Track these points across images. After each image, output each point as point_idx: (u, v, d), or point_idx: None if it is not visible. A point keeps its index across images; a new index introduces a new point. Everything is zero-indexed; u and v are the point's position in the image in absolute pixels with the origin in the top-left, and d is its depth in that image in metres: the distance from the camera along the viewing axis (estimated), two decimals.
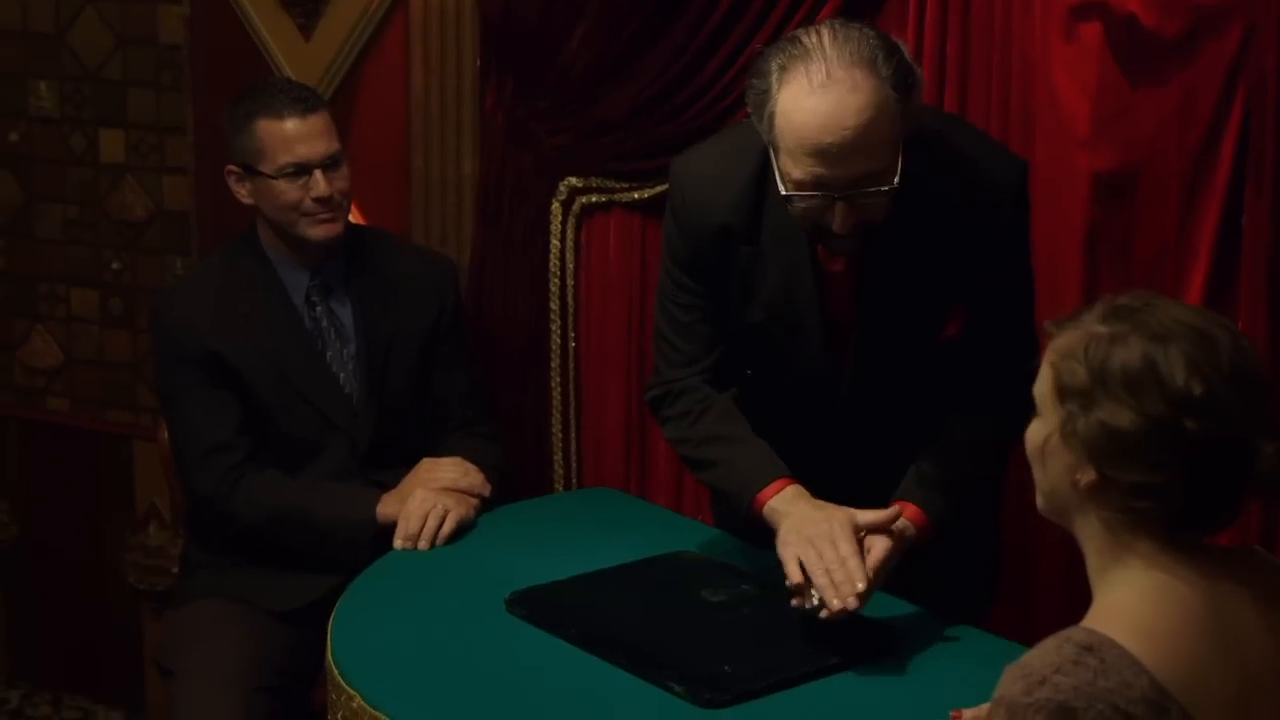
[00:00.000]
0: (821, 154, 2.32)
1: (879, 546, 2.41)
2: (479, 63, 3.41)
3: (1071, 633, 1.72)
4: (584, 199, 3.36)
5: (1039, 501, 1.89)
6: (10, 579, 4.30)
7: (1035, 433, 1.86)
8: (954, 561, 2.64)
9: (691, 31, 3.13)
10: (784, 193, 2.38)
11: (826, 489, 2.52)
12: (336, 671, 2.39)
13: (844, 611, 2.31)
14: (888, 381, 2.60)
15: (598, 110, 3.28)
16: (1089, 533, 1.83)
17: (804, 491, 2.51)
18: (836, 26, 2.38)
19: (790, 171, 2.36)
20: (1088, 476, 1.79)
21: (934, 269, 2.52)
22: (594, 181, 3.35)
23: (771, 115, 2.36)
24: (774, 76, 2.36)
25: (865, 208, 2.38)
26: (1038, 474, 1.87)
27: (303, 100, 3.05)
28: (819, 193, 2.35)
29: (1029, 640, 1.82)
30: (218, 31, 3.72)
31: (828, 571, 2.34)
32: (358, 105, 3.58)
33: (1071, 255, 2.89)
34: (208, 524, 3.12)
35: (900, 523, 2.45)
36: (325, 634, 2.53)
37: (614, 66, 3.23)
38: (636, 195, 3.31)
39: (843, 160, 2.32)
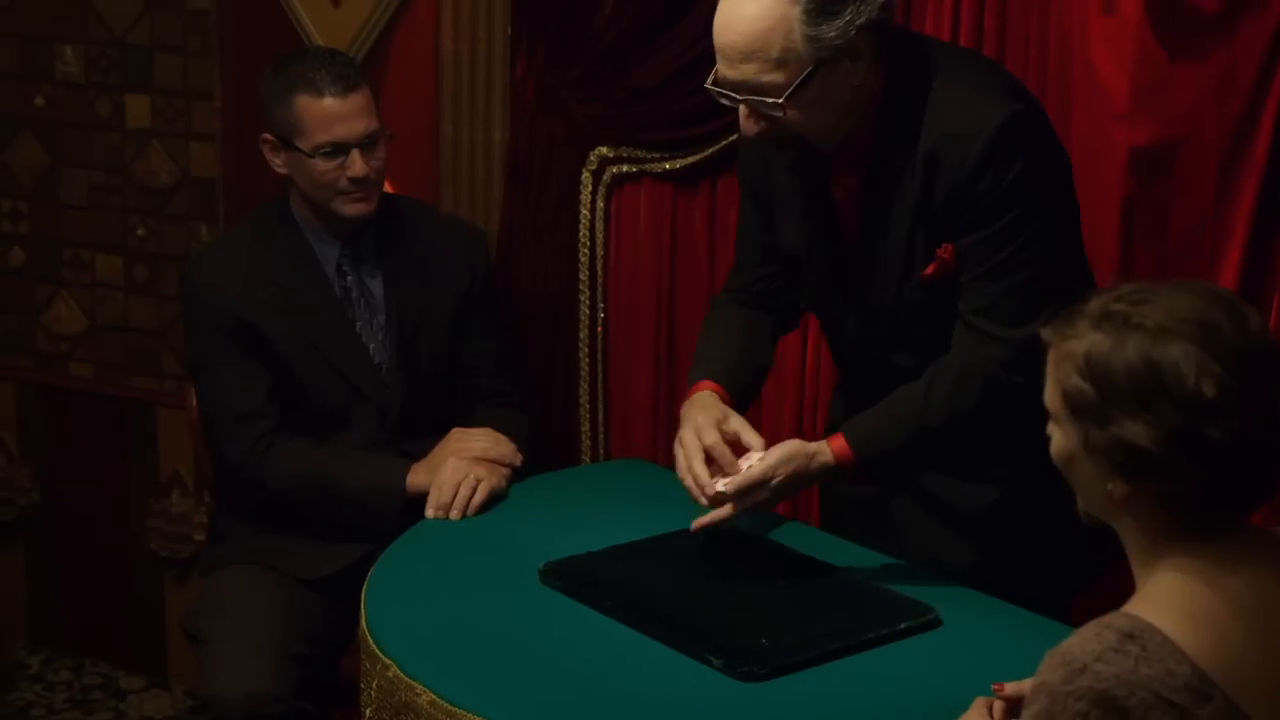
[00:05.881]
0: (721, 52, 2.43)
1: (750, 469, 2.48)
2: (510, 30, 3.38)
3: (1113, 619, 1.70)
4: (614, 169, 3.35)
5: (1079, 504, 1.86)
6: (32, 545, 4.30)
7: (1058, 445, 1.83)
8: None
9: None
10: (706, 85, 2.48)
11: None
12: (371, 640, 2.39)
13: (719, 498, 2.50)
14: (883, 318, 2.58)
15: (629, 79, 3.26)
16: (1129, 531, 1.81)
17: (706, 399, 2.60)
18: None
19: (716, 66, 2.47)
20: (1120, 489, 1.76)
21: (912, 207, 2.49)
22: (625, 151, 3.33)
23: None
24: None
25: (763, 117, 2.44)
26: (1071, 481, 1.84)
27: (344, 77, 2.99)
28: (721, 90, 2.45)
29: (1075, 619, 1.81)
30: None
31: (685, 473, 2.53)
32: (387, 72, 3.56)
33: (1108, 229, 2.87)
34: (236, 491, 3.12)
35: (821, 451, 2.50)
36: (353, 602, 2.53)
37: (646, 35, 3.21)
38: (668, 165, 3.30)
39: (734, 63, 2.41)
